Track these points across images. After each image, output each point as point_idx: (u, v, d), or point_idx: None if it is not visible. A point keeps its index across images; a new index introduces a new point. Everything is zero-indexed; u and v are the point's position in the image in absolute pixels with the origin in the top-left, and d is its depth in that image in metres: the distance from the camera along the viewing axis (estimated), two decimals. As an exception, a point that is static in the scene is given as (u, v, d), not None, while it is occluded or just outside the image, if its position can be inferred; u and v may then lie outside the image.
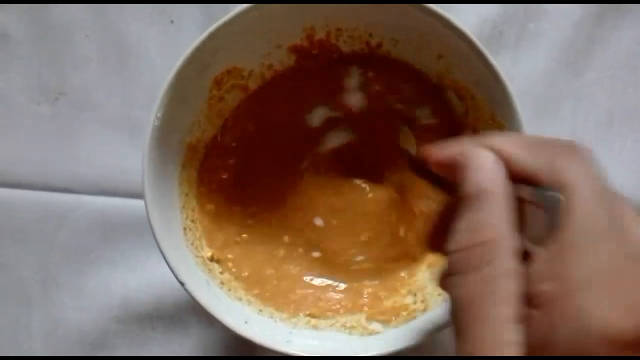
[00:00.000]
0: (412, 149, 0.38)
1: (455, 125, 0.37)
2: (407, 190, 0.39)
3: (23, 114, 0.44)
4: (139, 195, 0.32)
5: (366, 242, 0.39)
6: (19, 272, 0.44)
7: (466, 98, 0.35)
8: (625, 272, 0.18)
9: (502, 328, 0.19)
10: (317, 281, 0.39)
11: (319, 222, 0.39)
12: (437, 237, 0.26)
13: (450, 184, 0.24)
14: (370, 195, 0.39)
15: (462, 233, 0.21)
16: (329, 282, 0.39)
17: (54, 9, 0.44)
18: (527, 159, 0.21)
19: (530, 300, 0.19)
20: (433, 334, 0.32)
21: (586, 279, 0.18)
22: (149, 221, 0.31)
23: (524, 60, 0.44)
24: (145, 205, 0.31)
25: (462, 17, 0.44)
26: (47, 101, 0.44)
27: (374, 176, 0.40)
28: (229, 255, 0.36)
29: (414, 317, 0.34)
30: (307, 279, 0.39)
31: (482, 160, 0.21)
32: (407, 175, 0.38)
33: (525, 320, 0.19)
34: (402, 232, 0.39)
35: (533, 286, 0.19)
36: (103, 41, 0.44)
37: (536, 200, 0.21)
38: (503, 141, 0.21)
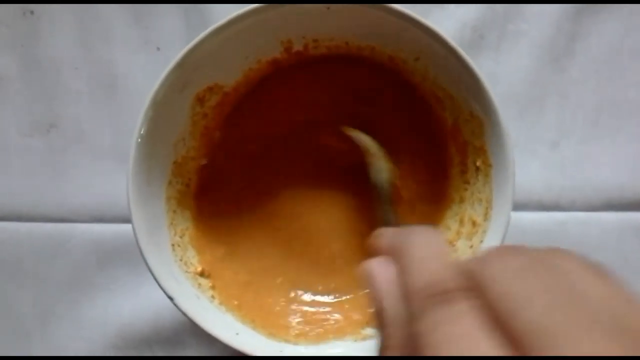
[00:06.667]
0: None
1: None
2: None
3: (16, 147, 0.45)
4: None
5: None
6: (17, 308, 0.44)
7: (445, 98, 0.35)
8: None
9: None
10: (308, 297, 0.38)
11: (310, 231, 0.39)
12: None
13: None
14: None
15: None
16: (320, 298, 0.38)
17: (43, 45, 0.45)
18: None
19: None
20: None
21: None
22: (136, 237, 0.31)
23: (507, 61, 0.44)
24: (132, 222, 0.31)
25: (442, 23, 0.44)
26: (39, 134, 0.45)
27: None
28: (219, 270, 0.36)
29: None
30: (298, 294, 0.38)
31: (376, 279, 0.21)
32: None
33: None
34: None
35: None
36: (92, 73, 0.45)
37: None
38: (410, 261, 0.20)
